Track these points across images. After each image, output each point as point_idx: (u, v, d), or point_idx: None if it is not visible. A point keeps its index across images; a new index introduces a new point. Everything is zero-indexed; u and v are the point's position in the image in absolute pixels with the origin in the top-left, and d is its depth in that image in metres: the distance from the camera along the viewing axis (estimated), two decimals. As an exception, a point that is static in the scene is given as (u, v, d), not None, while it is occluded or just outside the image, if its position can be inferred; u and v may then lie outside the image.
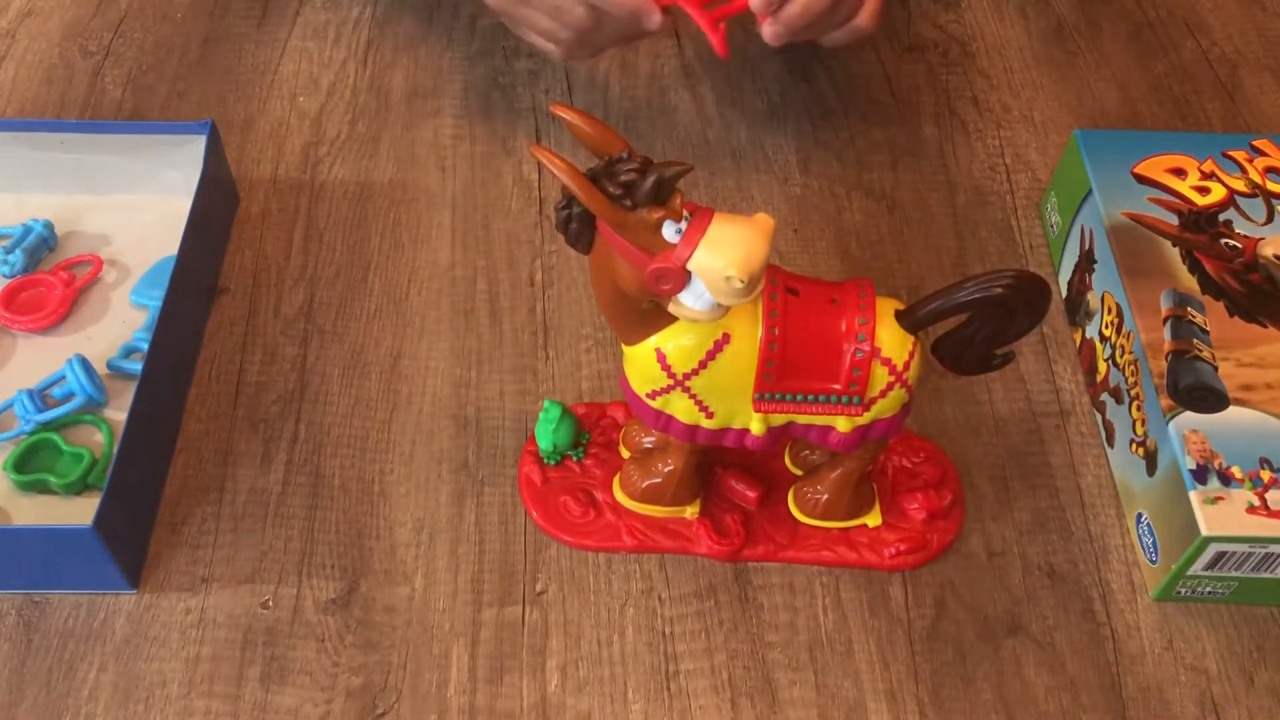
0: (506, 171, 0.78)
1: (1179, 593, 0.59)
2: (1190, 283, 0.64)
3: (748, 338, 0.52)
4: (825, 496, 0.59)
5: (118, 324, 0.68)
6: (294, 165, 0.77)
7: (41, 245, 0.70)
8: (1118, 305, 0.64)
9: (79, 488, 0.61)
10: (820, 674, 0.57)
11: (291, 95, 0.82)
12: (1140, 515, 0.61)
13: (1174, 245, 0.66)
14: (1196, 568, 0.57)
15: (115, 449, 0.57)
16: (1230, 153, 0.70)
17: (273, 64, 0.84)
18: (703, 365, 0.52)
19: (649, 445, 0.61)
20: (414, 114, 0.81)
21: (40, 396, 0.64)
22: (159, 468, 0.62)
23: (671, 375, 0.53)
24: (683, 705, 0.56)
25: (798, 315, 0.52)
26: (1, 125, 0.71)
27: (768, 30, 0.68)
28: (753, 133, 0.81)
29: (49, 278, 0.69)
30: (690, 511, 0.60)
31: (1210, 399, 0.59)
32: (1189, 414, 0.58)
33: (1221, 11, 0.91)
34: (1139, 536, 0.61)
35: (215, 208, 0.72)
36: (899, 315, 0.52)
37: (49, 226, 0.71)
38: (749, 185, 0.78)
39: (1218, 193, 0.68)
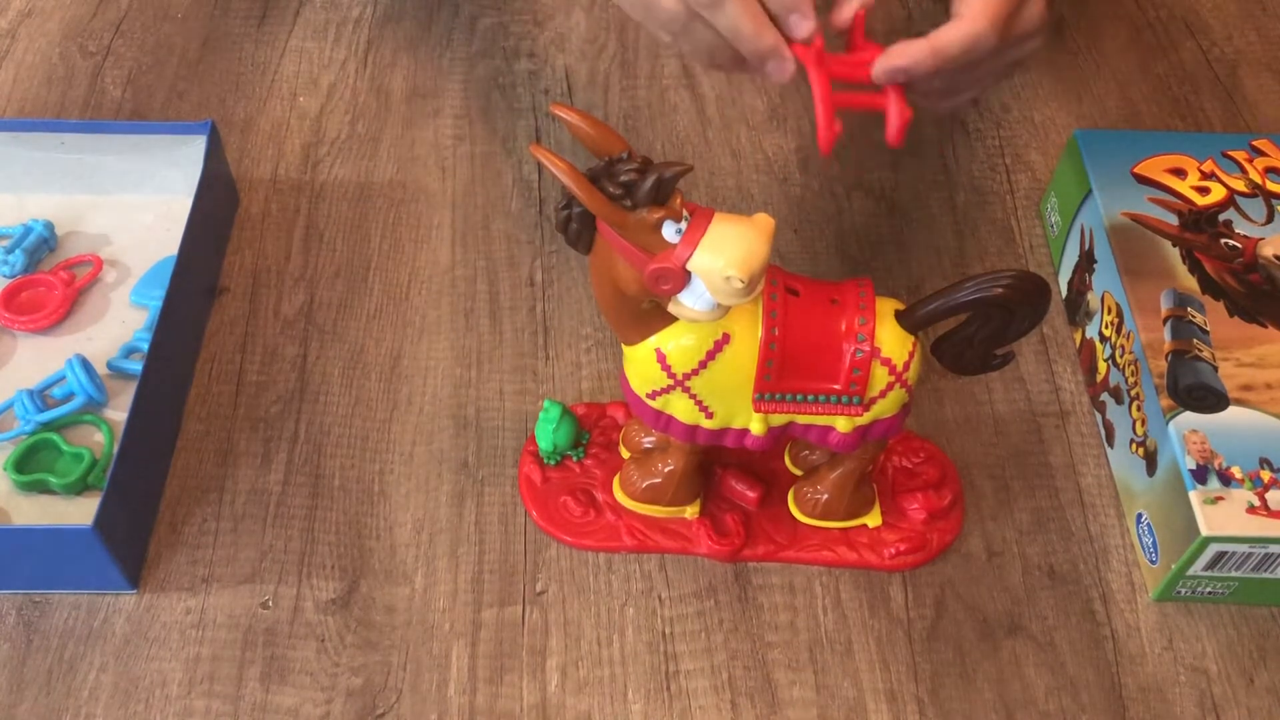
0: (506, 171, 0.78)
1: (1179, 593, 0.59)
2: (1190, 283, 0.64)
3: (748, 338, 0.52)
4: (825, 496, 0.59)
5: (118, 324, 0.68)
6: (294, 165, 0.77)
7: (41, 245, 0.70)
8: (1118, 305, 0.64)
9: (79, 488, 0.61)
10: (820, 674, 0.57)
11: (291, 95, 0.82)
12: (1140, 515, 0.61)
13: (1174, 245, 0.66)
14: (1196, 568, 0.57)
15: (115, 449, 0.57)
16: (1230, 153, 0.70)
17: (273, 64, 0.84)
18: (703, 365, 0.52)
19: (649, 445, 0.61)
20: (414, 114, 0.81)
21: (40, 396, 0.64)
22: (159, 468, 0.62)
23: (671, 375, 0.53)
24: (683, 705, 0.56)
25: (798, 315, 0.52)
26: (1, 125, 0.71)
27: (877, 69, 0.58)
28: (752, 132, 0.81)
29: (49, 278, 0.69)
30: (690, 511, 0.60)
31: (1210, 399, 0.59)
32: (1189, 414, 0.58)
33: (1221, 11, 0.91)
34: (1139, 536, 0.61)
35: (215, 208, 0.72)
36: (899, 315, 0.52)
37: (49, 227, 0.71)
38: (749, 185, 0.78)
39: (1218, 193, 0.68)
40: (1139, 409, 0.61)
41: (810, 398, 0.53)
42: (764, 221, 0.48)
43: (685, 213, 0.48)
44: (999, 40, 0.57)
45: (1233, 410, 0.59)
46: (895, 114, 0.57)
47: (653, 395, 0.54)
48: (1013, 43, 0.59)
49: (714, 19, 0.56)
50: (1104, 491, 0.63)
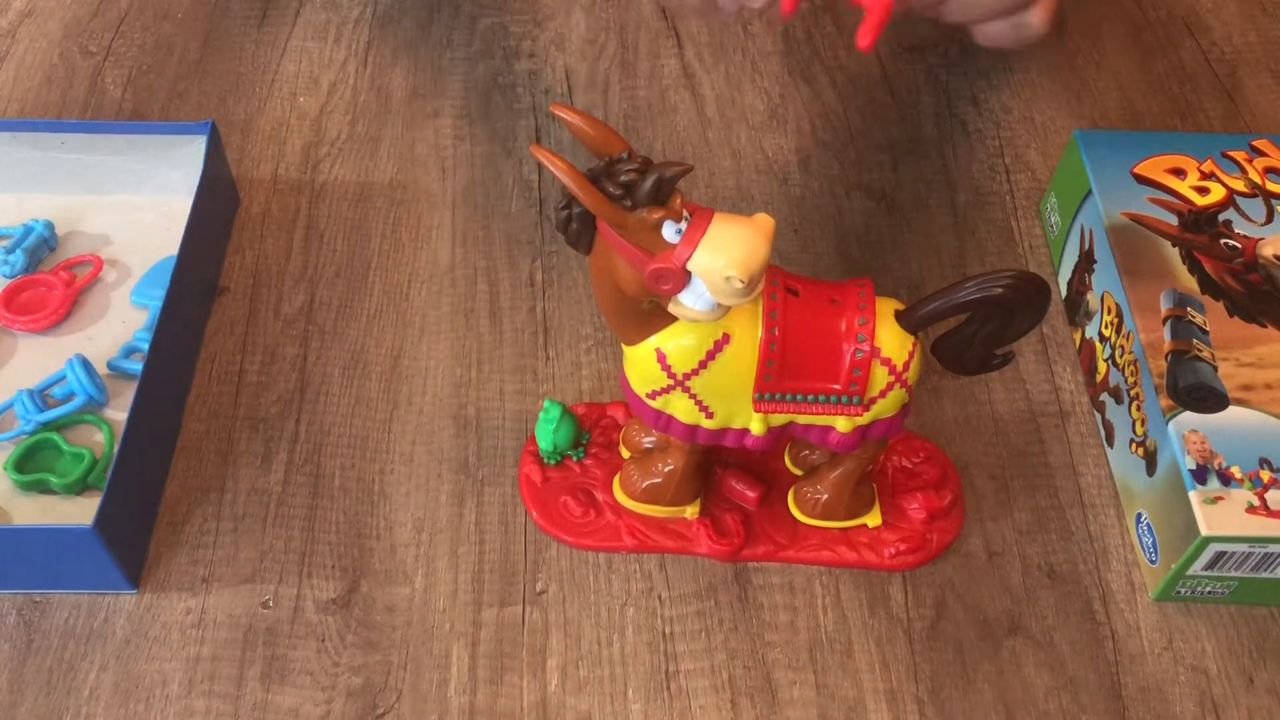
0: (506, 171, 0.78)
1: (1179, 593, 0.59)
2: (1190, 283, 0.64)
3: (748, 338, 0.52)
4: (825, 496, 0.59)
5: (118, 324, 0.68)
6: (294, 165, 0.77)
7: (42, 245, 0.71)
8: (1117, 305, 0.64)
9: (79, 488, 0.61)
10: (820, 674, 0.57)
11: (292, 95, 0.82)
12: (1140, 515, 0.61)
13: (1174, 245, 0.66)
14: (1196, 568, 0.57)
15: (116, 449, 0.57)
16: (1230, 153, 0.70)
17: (273, 64, 0.84)
18: (703, 365, 0.52)
19: (649, 445, 0.61)
20: (414, 114, 0.81)
21: (41, 396, 0.64)
22: (159, 468, 0.62)
23: (671, 375, 0.53)
24: (683, 705, 0.56)
25: (798, 315, 0.52)
26: (2, 125, 0.71)
27: None
28: (753, 133, 0.81)
29: (49, 278, 0.69)
30: (690, 511, 0.60)
31: (1210, 399, 0.59)
32: (1189, 414, 0.58)
33: (1221, 11, 0.91)
34: (1139, 536, 0.61)
35: (215, 208, 0.72)
36: (899, 315, 0.52)
37: (49, 226, 0.71)
38: (749, 185, 0.78)
39: (1217, 193, 0.68)
40: (1139, 409, 0.61)
41: (810, 398, 0.53)
42: (764, 221, 0.48)
43: (685, 213, 0.48)
44: None
45: (1232, 410, 0.59)
46: (877, 8, 0.53)
47: (653, 395, 0.54)
48: None
49: None
50: (1104, 491, 0.63)
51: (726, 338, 0.52)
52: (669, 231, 0.48)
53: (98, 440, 0.63)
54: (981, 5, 0.59)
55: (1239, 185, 0.68)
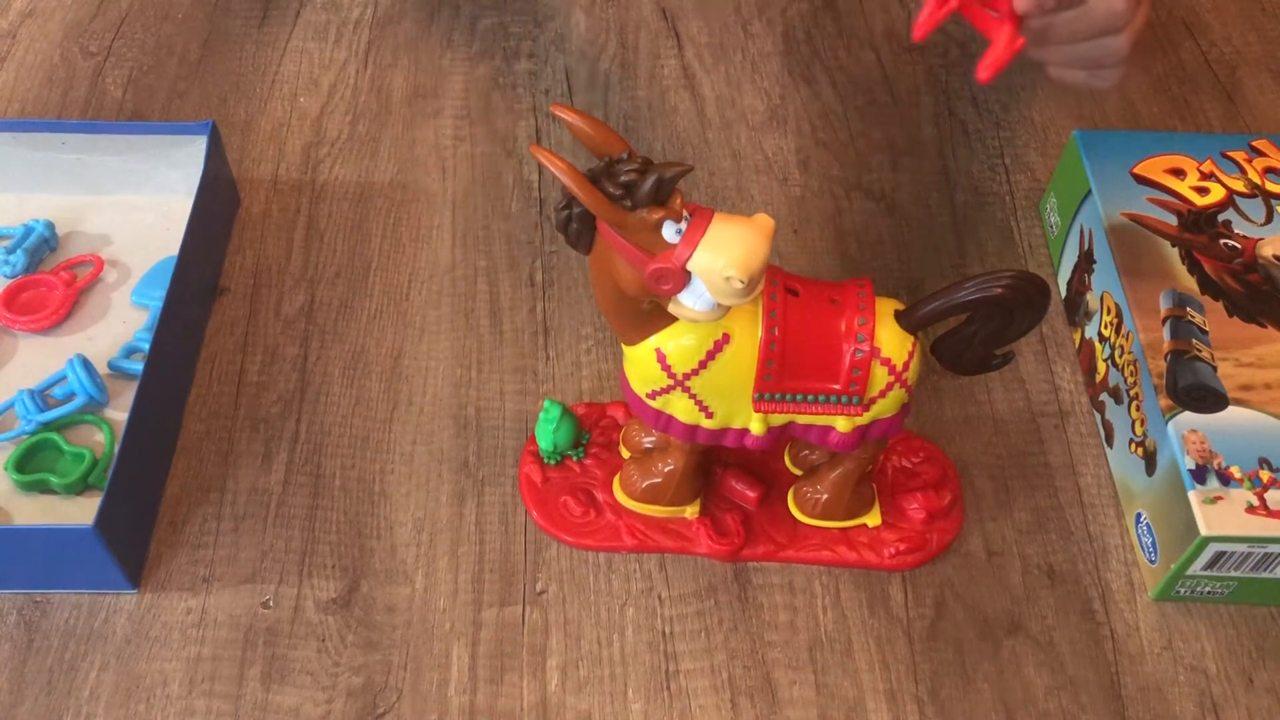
0: (506, 172, 0.78)
1: (1178, 592, 0.59)
2: (1189, 283, 0.64)
3: (748, 338, 0.52)
4: (825, 496, 0.60)
5: (119, 324, 0.68)
6: (295, 166, 0.77)
7: (42, 245, 0.71)
8: (1117, 305, 0.64)
9: (80, 488, 0.61)
10: (820, 674, 0.57)
11: (292, 96, 0.82)
12: (1139, 515, 0.61)
13: (1173, 245, 0.66)
14: (1196, 567, 0.57)
15: (116, 449, 0.57)
16: (1229, 153, 0.70)
17: (273, 64, 0.84)
18: (703, 365, 0.52)
19: (649, 445, 0.61)
20: (414, 114, 0.81)
21: (41, 396, 0.64)
22: (160, 468, 0.62)
23: (671, 375, 0.53)
24: (683, 705, 0.56)
25: (797, 315, 0.52)
26: (3, 125, 0.71)
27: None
28: (753, 133, 0.81)
29: (50, 278, 0.69)
30: (690, 511, 0.61)
31: (1209, 399, 0.59)
32: (1188, 414, 0.59)
33: (1221, 12, 0.91)
34: (1138, 536, 0.61)
35: (216, 208, 0.72)
36: (899, 315, 0.53)
37: (50, 227, 0.71)
38: (749, 185, 0.78)
39: (1217, 193, 0.68)
40: (1138, 409, 0.61)
41: (810, 398, 0.53)
42: (764, 221, 0.48)
43: (685, 213, 0.48)
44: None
45: (1232, 410, 0.59)
46: (1003, 44, 0.55)
47: (653, 395, 0.54)
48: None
49: None
50: (1103, 491, 0.64)
51: (726, 338, 0.52)
52: (669, 232, 0.48)
53: (98, 440, 0.63)
54: (1082, 58, 0.60)
55: (1238, 185, 0.68)
